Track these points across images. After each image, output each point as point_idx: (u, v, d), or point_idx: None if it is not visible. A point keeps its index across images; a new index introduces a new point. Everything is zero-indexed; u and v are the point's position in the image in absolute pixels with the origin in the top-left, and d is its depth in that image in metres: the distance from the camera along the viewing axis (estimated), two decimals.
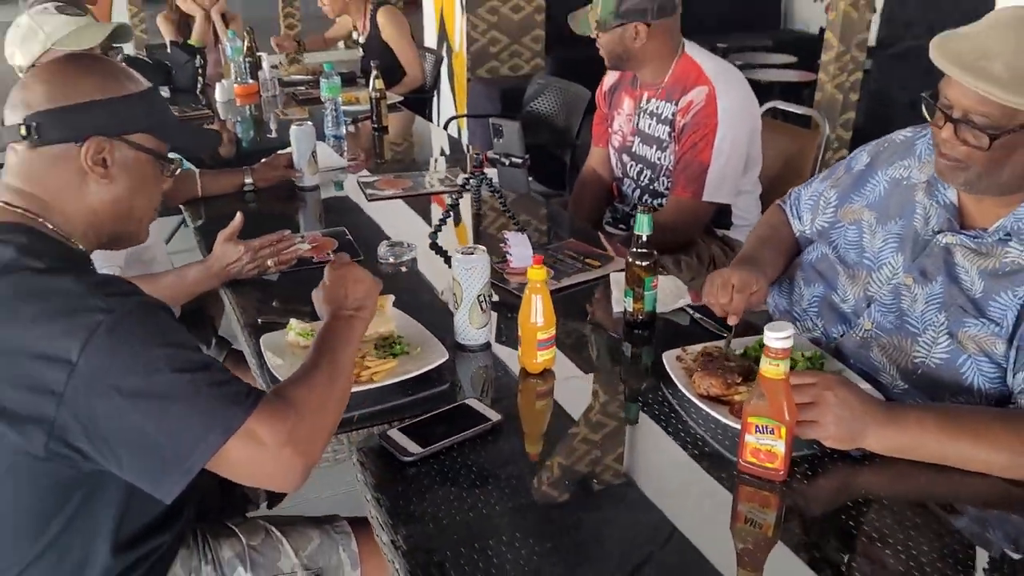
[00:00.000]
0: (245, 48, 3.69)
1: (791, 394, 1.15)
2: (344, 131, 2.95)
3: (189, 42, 4.03)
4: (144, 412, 0.97)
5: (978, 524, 1.18)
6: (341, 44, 5.25)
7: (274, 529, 1.33)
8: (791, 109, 2.79)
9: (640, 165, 2.40)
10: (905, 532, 1.12)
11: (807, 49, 5.83)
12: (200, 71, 3.69)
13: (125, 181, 1.15)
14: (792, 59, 6.05)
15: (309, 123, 2.37)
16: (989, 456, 1.19)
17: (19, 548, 1.06)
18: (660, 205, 2.31)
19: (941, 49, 1.28)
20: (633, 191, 2.45)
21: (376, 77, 3.02)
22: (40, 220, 1.10)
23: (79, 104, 1.11)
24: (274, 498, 1.57)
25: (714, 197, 2.24)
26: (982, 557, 1.11)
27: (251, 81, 3.53)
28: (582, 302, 1.77)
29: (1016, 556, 1.09)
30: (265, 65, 3.55)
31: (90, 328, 0.96)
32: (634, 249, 1.56)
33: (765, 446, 1.18)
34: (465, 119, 4.85)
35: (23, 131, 1.10)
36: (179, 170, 1.26)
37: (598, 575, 1.04)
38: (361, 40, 4.24)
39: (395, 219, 2.25)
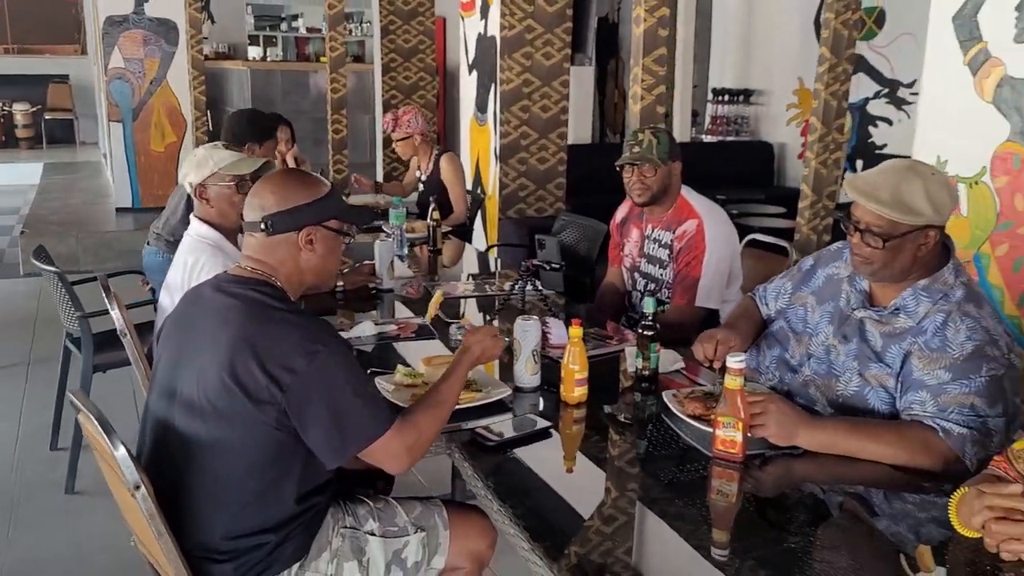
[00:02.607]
0: None
1: (746, 400, 1.75)
2: (406, 251, 3.63)
3: None
4: (331, 414, 1.60)
5: (873, 496, 1.75)
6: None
7: (391, 499, 1.90)
8: (768, 240, 3.47)
9: (646, 280, 3.06)
10: (826, 499, 1.70)
11: (795, 201, 6.61)
12: None
13: (323, 252, 1.79)
14: (782, 210, 6.82)
15: (391, 239, 3.05)
16: (881, 450, 1.77)
17: (247, 483, 1.64)
18: (664, 307, 2.95)
19: (849, 184, 1.94)
20: (641, 300, 3.09)
21: (434, 209, 3.74)
22: (272, 278, 1.74)
23: (296, 207, 1.75)
24: (388, 480, 2.16)
25: (705, 303, 2.87)
26: (869, 509, 1.70)
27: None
28: (606, 366, 2.39)
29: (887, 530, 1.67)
30: None
31: (313, 352, 1.59)
32: (642, 323, 2.18)
33: (729, 436, 1.76)
34: (496, 248, 5.58)
35: (262, 226, 1.74)
36: (353, 240, 1.93)
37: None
38: (423, 178, 5.00)
39: (456, 311, 2.89)
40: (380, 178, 7.90)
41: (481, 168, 5.86)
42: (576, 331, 2.05)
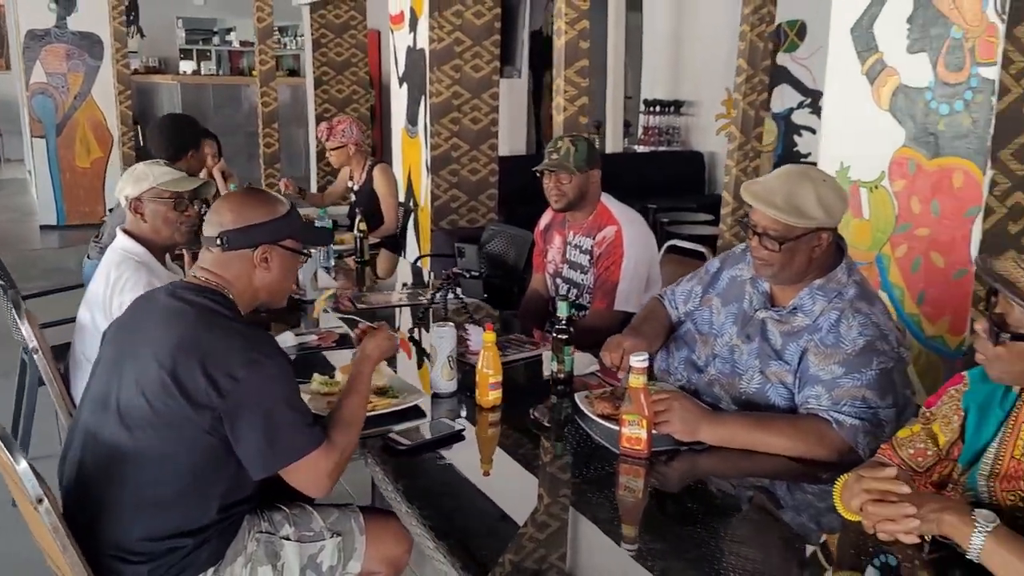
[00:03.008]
0: None
1: (649, 398, 1.81)
2: (332, 263, 3.64)
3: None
4: (265, 425, 1.62)
5: (772, 486, 1.82)
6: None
7: (307, 506, 1.91)
8: (688, 246, 3.57)
9: (568, 285, 3.12)
10: (729, 491, 1.76)
11: None
12: (200, 213, 4.39)
13: (278, 270, 1.83)
14: (710, 217, 6.98)
15: (315, 252, 3.06)
16: (778, 442, 1.85)
17: (172, 490, 1.65)
18: (584, 312, 3.01)
19: (746, 190, 2.02)
20: None
21: (360, 220, 3.76)
22: (225, 290, 1.78)
23: (252, 225, 1.79)
24: None
25: (624, 307, 2.94)
26: (772, 501, 1.77)
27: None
28: (523, 370, 2.43)
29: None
30: None
31: (255, 362, 1.63)
32: (556, 327, 2.24)
33: (634, 434, 1.82)
34: (428, 259, 5.60)
35: (218, 241, 1.77)
36: (308, 258, 1.96)
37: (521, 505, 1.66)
38: (355, 188, 5.01)
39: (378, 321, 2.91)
40: (314, 190, 7.88)
41: (413, 180, 5.89)
42: (489, 336, 2.09)
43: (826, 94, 2.89)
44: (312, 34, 7.78)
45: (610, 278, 2.92)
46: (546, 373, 2.32)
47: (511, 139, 8.84)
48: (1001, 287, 1.37)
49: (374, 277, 3.77)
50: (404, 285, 3.58)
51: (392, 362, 2.27)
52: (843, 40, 2.77)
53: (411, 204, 5.86)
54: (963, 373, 1.62)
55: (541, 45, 11.52)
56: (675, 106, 8.34)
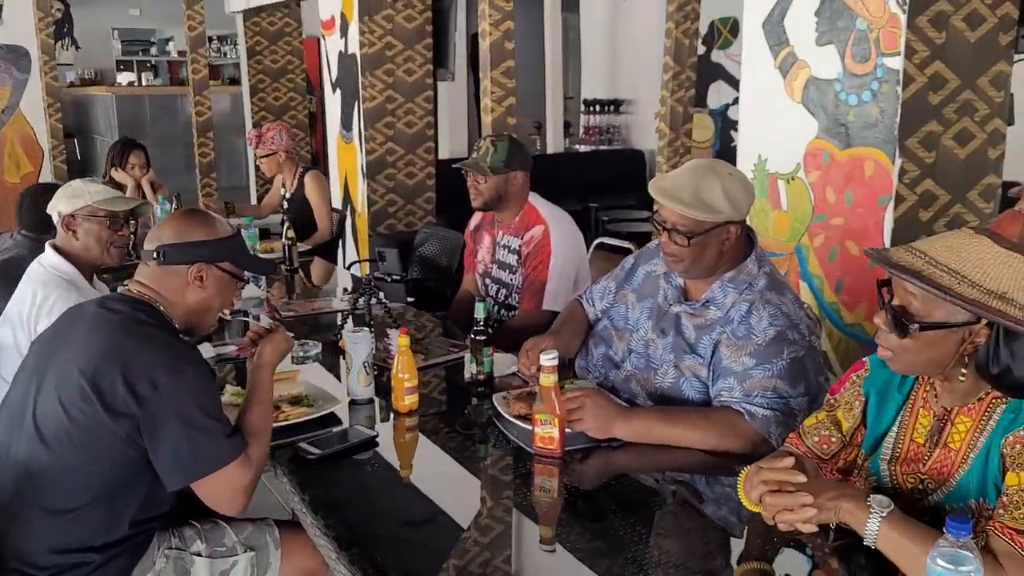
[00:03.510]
0: (172, 210, 4.33)
1: (560, 397, 1.80)
2: None
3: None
4: (185, 434, 1.60)
5: (688, 480, 1.83)
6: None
7: (220, 521, 1.87)
8: (616, 243, 3.57)
9: (497, 285, 3.10)
10: (644, 487, 1.77)
11: None
12: (132, 233, 4.30)
13: (213, 291, 1.81)
14: (649, 214, 7.03)
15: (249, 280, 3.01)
16: (691, 435, 1.85)
17: (83, 496, 1.62)
18: (513, 312, 3.00)
19: (653, 185, 2.03)
20: (493, 306, 3.13)
21: (288, 228, 3.70)
22: (157, 303, 1.76)
23: (191, 242, 1.77)
24: None
25: (552, 306, 2.92)
26: (691, 491, 1.77)
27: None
28: (446, 373, 2.41)
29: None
30: None
31: (178, 371, 1.62)
32: (475, 328, 2.22)
33: (547, 433, 1.81)
34: (368, 264, 5.55)
35: (155, 255, 1.76)
36: (247, 285, 1.93)
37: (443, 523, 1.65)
38: (287, 196, 4.94)
39: (302, 329, 2.87)
40: (254, 200, 7.77)
41: (350, 185, 5.83)
42: (403, 340, 2.07)
43: (742, 88, 2.92)
44: (247, 42, 7.66)
45: (538, 278, 2.91)
46: (467, 375, 2.30)
47: (452, 142, 8.82)
48: (909, 277, 1.37)
49: (310, 284, 3.72)
50: (345, 291, 3.54)
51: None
52: (756, 35, 2.80)
53: (348, 210, 5.80)
54: (864, 359, 1.63)
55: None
56: (614, 105, 8.39)
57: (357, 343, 2.12)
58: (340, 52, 5.65)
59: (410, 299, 3.12)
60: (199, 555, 1.79)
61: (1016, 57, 2.54)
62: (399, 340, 2.06)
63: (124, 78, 12.26)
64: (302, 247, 4.07)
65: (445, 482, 1.83)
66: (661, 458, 1.85)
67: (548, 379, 1.79)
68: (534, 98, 9.60)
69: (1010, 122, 2.59)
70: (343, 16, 5.51)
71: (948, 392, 1.46)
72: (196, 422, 1.61)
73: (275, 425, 1.91)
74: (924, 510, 1.46)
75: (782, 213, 2.79)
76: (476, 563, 1.48)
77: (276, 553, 1.87)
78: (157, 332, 1.70)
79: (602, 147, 8.34)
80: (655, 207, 2.07)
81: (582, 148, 8.54)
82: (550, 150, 8.76)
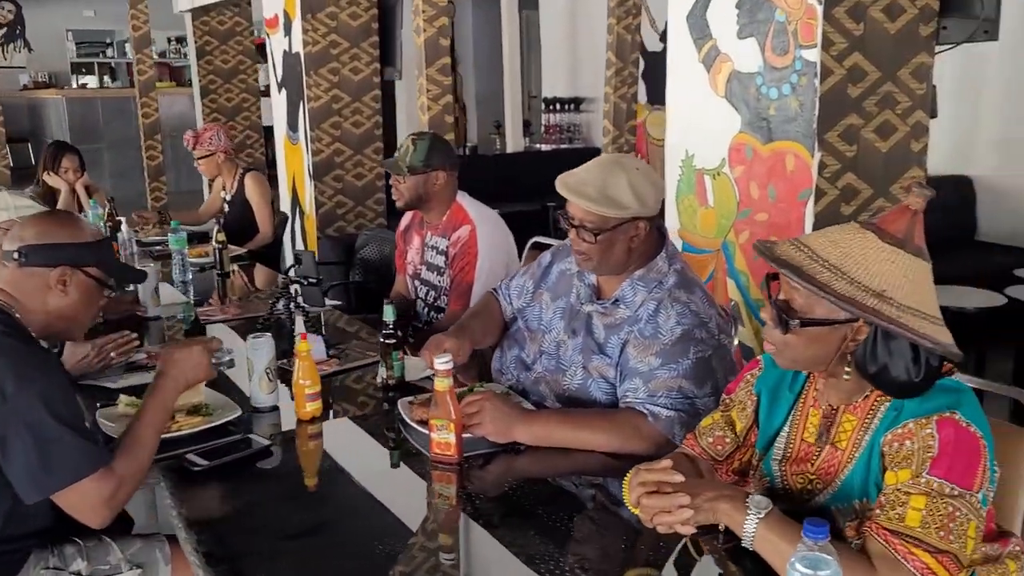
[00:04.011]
0: (105, 215, 4.23)
1: (456, 401, 1.74)
2: (190, 276, 3.49)
3: None
4: (37, 444, 1.51)
5: (588, 483, 1.77)
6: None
7: (106, 536, 1.79)
8: (552, 242, 3.51)
9: (426, 287, 3.04)
10: (547, 491, 1.73)
11: None
12: None
13: (77, 297, 1.73)
14: None
15: (152, 267, 2.93)
16: (594, 438, 1.80)
17: None
18: (441, 314, 2.93)
19: (560, 182, 1.97)
20: (423, 308, 3.07)
21: (218, 231, 3.62)
22: (13, 310, 1.66)
23: (55, 244, 1.69)
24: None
25: None
26: (589, 497, 1.72)
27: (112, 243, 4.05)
28: (361, 377, 2.34)
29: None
30: (124, 228, 4.07)
31: (27, 379, 1.53)
32: (383, 331, 2.15)
33: (443, 439, 1.75)
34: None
35: (15, 255, 1.67)
36: (114, 294, 1.84)
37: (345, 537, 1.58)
38: (228, 198, 4.86)
39: (222, 334, 2.78)
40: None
41: (297, 187, 5.75)
42: (303, 346, 2.00)
43: (668, 83, 2.88)
44: (196, 42, 7.55)
45: (465, 279, 2.85)
46: (378, 380, 2.24)
47: None
48: (788, 272, 1.33)
49: (252, 289, 3.64)
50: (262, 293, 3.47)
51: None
52: (680, 28, 2.76)
53: (297, 212, 5.72)
54: (759, 357, 1.59)
55: None
56: (574, 103, 8.34)
57: (258, 349, 2.05)
58: (284, 51, 5.56)
59: (332, 303, 3.04)
60: (79, 574, 1.71)
61: (937, 48, 2.51)
62: (299, 346, 2.00)
63: (85, 80, 12.07)
64: (240, 251, 3.99)
65: (339, 491, 1.76)
66: (562, 461, 1.79)
67: (443, 383, 1.73)
68: (495, 98, 9.55)
69: (933, 115, 2.55)
70: (286, 14, 5.42)
71: (834, 390, 1.42)
72: (47, 432, 1.53)
73: (167, 436, 1.83)
74: (811, 511, 1.41)
75: (709, 209, 2.75)
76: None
77: (166, 569, 1.80)
78: (6, 339, 1.61)
79: (563, 146, 8.28)
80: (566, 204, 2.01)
81: (544, 147, 8.49)
82: (509, 149, 8.71)
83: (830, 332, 1.35)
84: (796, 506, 1.43)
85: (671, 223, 2.87)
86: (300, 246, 5.75)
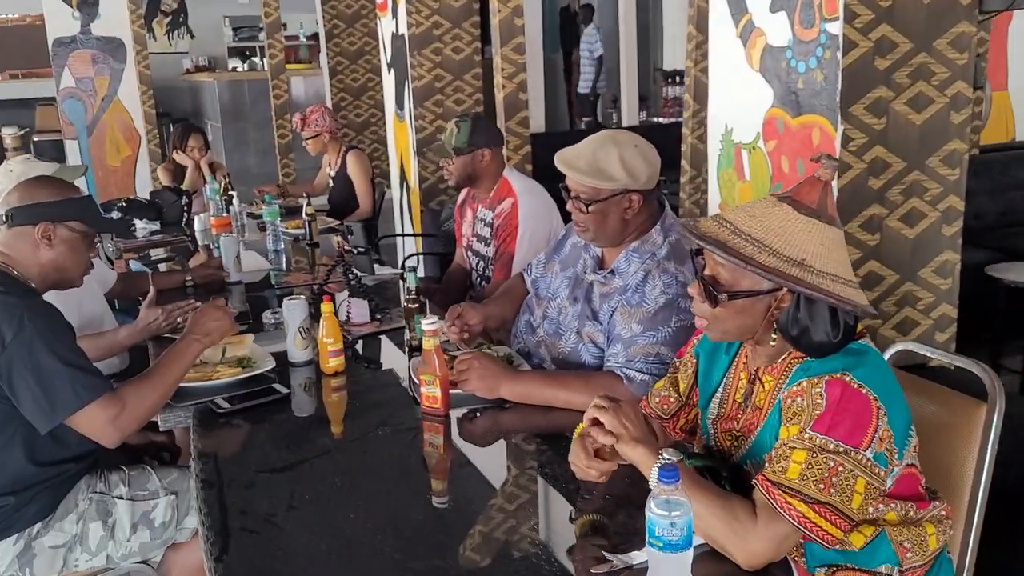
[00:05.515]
0: (221, 189, 4.63)
1: (442, 358, 1.92)
2: (283, 246, 3.81)
3: (182, 187, 5.02)
4: (38, 380, 1.76)
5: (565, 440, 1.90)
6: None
7: (147, 467, 2.09)
8: None
9: (477, 258, 3.22)
10: (528, 444, 1.87)
11: None
12: (186, 208, 4.65)
13: (63, 249, 1.97)
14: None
15: (235, 235, 3.24)
16: (571, 397, 1.93)
17: None
18: (486, 286, 3.10)
19: (557, 157, 2.09)
20: (476, 278, 3.25)
21: (308, 204, 3.92)
22: (9, 267, 1.94)
23: (36, 203, 1.95)
24: (173, 452, 2.37)
25: None
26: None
27: (225, 215, 4.44)
28: (393, 339, 2.56)
29: None
30: (235, 202, 4.46)
31: (20, 325, 1.77)
32: (407, 296, 2.35)
33: (431, 393, 1.93)
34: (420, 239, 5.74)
35: (3, 219, 1.95)
36: (100, 243, 2.11)
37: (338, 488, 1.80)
38: (332, 174, 5.21)
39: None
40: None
41: (404, 162, 6.04)
42: (327, 307, 2.23)
43: (710, 58, 2.90)
44: (324, 25, 7.98)
45: (507, 249, 3.01)
46: (406, 340, 2.44)
47: (532, 117, 8.88)
48: (713, 248, 1.41)
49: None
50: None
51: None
52: (720, 2, 2.78)
53: (404, 187, 6.01)
54: None
55: (568, 22, 11.56)
56: None
57: (292, 310, 2.29)
58: (392, 33, 5.84)
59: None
60: (121, 498, 2.00)
61: (980, 17, 2.44)
62: (323, 307, 2.22)
63: (239, 64, 12.89)
64: (332, 223, 4.29)
65: (334, 437, 1.98)
66: (541, 420, 1.93)
67: (428, 342, 1.91)
68: (610, 75, 9.56)
69: (978, 85, 2.48)
70: None
71: (760, 355, 1.50)
72: (47, 369, 1.75)
73: (206, 383, 2.10)
74: (733, 468, 1.50)
75: (746, 183, 2.77)
76: (326, 498, 1.63)
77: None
78: (4, 296, 1.81)
79: (680, 119, 8.22)
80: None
81: (663, 120, 8.46)
82: (624, 123, 8.71)
83: (756, 302, 1.42)
84: (722, 463, 1.52)
85: (712, 197, 2.92)
86: (407, 219, 6.06)
